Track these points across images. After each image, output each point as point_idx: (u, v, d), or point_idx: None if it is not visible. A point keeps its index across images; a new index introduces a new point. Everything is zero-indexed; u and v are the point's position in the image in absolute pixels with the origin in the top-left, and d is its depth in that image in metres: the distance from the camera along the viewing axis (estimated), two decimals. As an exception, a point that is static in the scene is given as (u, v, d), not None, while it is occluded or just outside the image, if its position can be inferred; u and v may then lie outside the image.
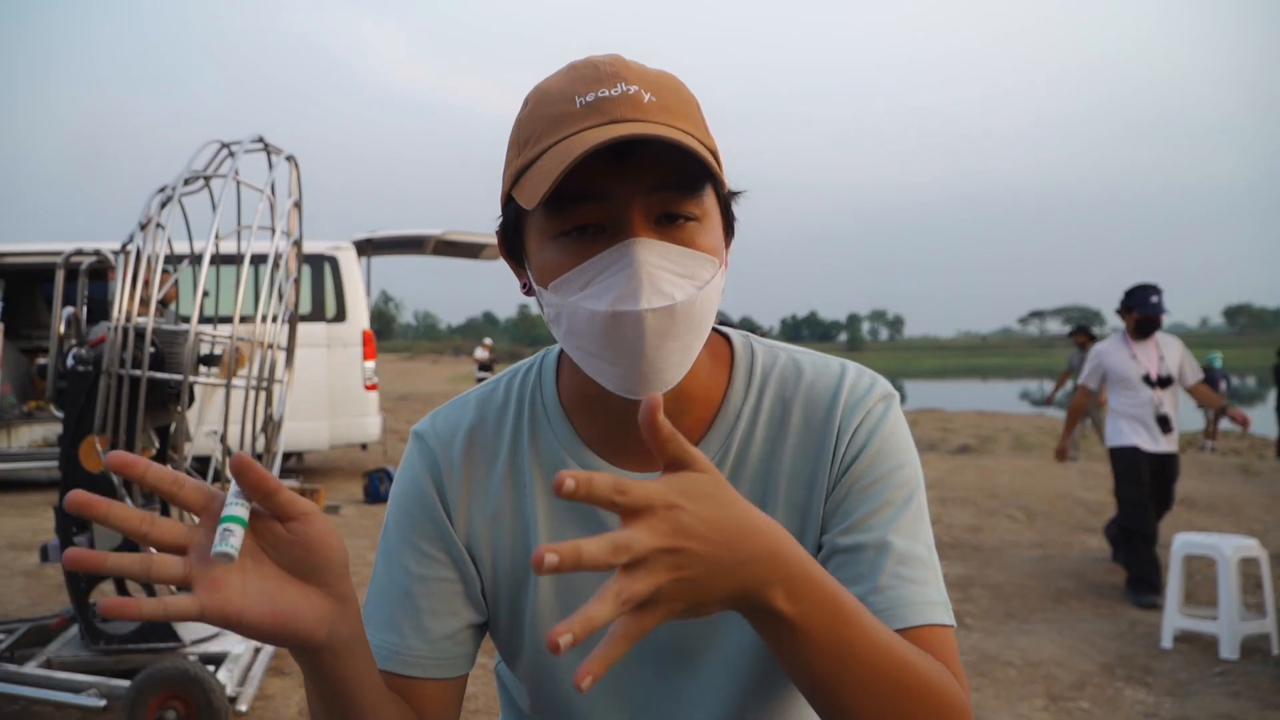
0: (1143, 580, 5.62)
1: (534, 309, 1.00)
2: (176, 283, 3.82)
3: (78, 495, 0.70)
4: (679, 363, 0.93)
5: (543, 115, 0.93)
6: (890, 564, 0.95)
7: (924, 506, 1.02)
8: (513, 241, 0.99)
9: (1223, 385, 15.62)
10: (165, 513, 4.01)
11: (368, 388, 9.54)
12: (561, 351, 1.09)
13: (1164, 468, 5.85)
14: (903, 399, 1.07)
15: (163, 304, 3.98)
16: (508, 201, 0.97)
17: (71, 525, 3.49)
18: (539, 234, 0.94)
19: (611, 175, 0.89)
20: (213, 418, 4.67)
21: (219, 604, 0.74)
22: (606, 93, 0.91)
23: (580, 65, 0.95)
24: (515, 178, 0.94)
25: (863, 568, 0.96)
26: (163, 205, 3.62)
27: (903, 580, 0.94)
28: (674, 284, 0.90)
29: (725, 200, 0.99)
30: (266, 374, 3.96)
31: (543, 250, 0.94)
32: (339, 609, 0.83)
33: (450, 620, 1.05)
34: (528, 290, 1.00)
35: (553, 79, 0.95)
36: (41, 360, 4.17)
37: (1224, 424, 15.74)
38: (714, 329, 1.09)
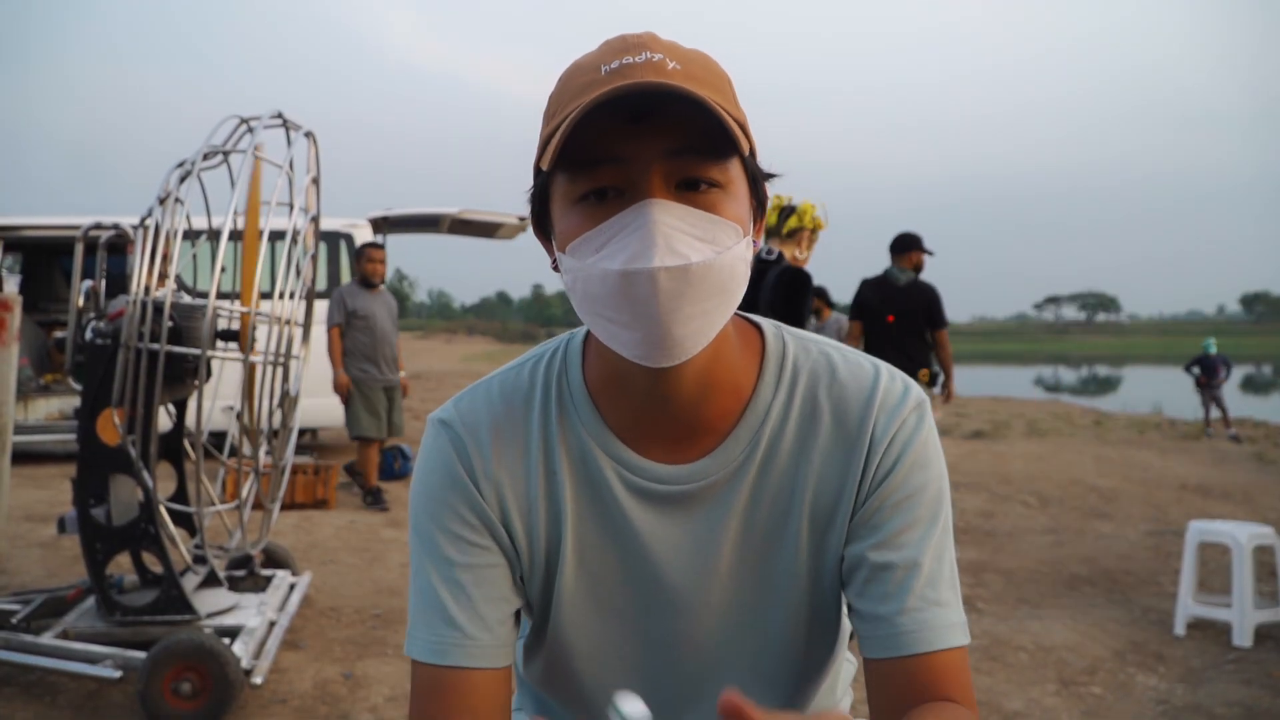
0: None
1: (548, 289, 0.99)
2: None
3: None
4: (698, 330, 0.91)
5: (570, 86, 0.92)
6: (918, 586, 0.98)
7: (950, 519, 1.03)
8: (541, 214, 0.99)
9: (1223, 372, 15.34)
10: (182, 489, 4.04)
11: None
12: (587, 336, 1.07)
13: None
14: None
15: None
16: (537, 174, 0.97)
17: (89, 497, 3.51)
18: (561, 200, 0.94)
19: (629, 137, 0.89)
20: (229, 393, 4.69)
21: None
22: (631, 60, 0.90)
23: (612, 39, 0.95)
24: (542, 147, 0.94)
25: (891, 587, 0.98)
26: (181, 180, 3.63)
27: (928, 603, 0.98)
28: (691, 245, 0.88)
29: (753, 175, 0.97)
30: (283, 350, 3.97)
31: (564, 216, 0.93)
32: None
33: (504, 605, 1.04)
34: (555, 265, 0.99)
35: (585, 54, 0.95)
36: (59, 333, 4.20)
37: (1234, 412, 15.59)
38: (744, 316, 1.08)
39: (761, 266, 4.21)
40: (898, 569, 0.98)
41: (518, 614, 1.08)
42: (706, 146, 0.90)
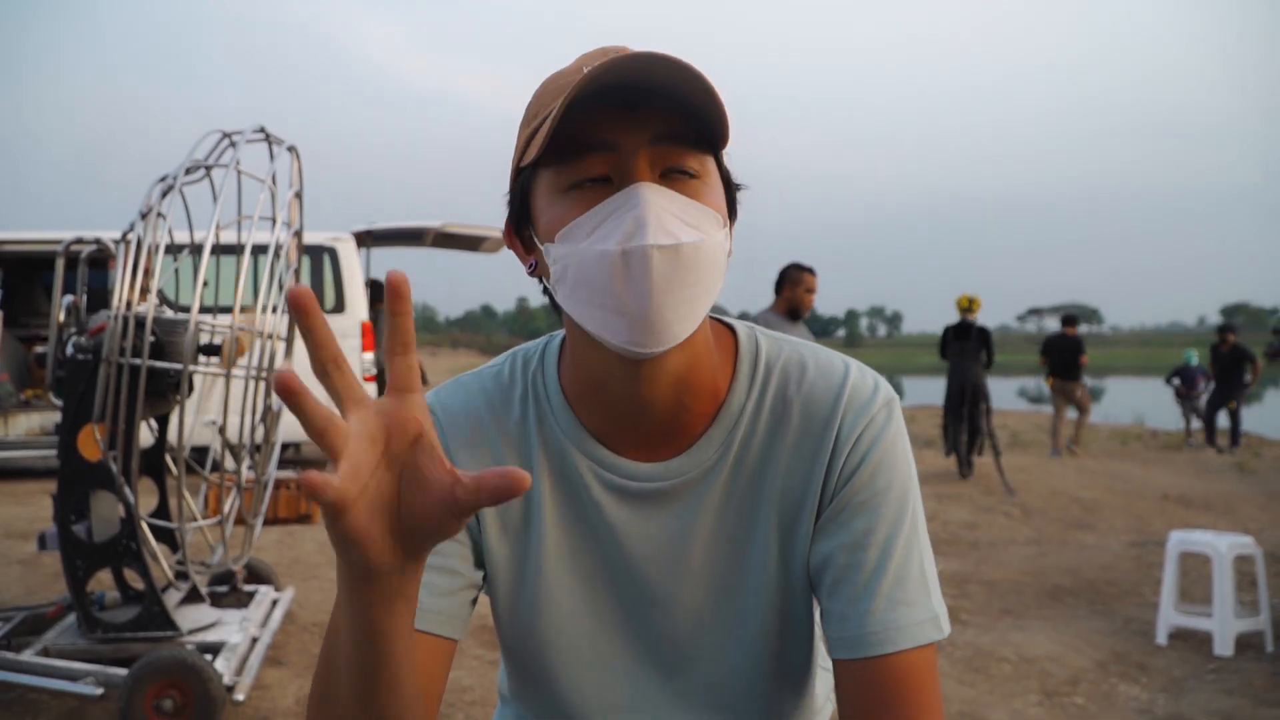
0: None
1: (533, 302, 1.00)
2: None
3: (289, 380, 0.65)
4: (686, 315, 0.92)
5: (550, 88, 0.96)
6: (885, 586, 0.98)
7: (920, 515, 1.03)
8: (520, 219, 1.00)
9: (1203, 384, 15.45)
10: (164, 505, 4.02)
11: (366, 379, 9.53)
12: (564, 340, 1.09)
13: None
14: (901, 395, 1.08)
15: None
16: (516, 177, 0.99)
17: (70, 513, 3.49)
18: (547, 192, 0.95)
19: (618, 125, 0.91)
20: (211, 408, 4.67)
21: (346, 491, 0.69)
22: (614, 59, 0.92)
23: (590, 50, 0.99)
24: (524, 147, 0.96)
25: (858, 588, 0.98)
26: (164, 195, 3.62)
27: (895, 603, 0.97)
28: (680, 228, 0.90)
29: (726, 175, 1.00)
30: (266, 364, 3.96)
31: (550, 207, 0.95)
32: (410, 562, 0.76)
33: (455, 578, 1.05)
34: (533, 270, 1.00)
35: (563, 66, 0.99)
36: (40, 348, 4.17)
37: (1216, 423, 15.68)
38: (718, 319, 1.10)
39: (968, 327, 9.76)
40: (865, 568, 0.98)
41: (474, 592, 1.08)
42: (691, 134, 0.93)
